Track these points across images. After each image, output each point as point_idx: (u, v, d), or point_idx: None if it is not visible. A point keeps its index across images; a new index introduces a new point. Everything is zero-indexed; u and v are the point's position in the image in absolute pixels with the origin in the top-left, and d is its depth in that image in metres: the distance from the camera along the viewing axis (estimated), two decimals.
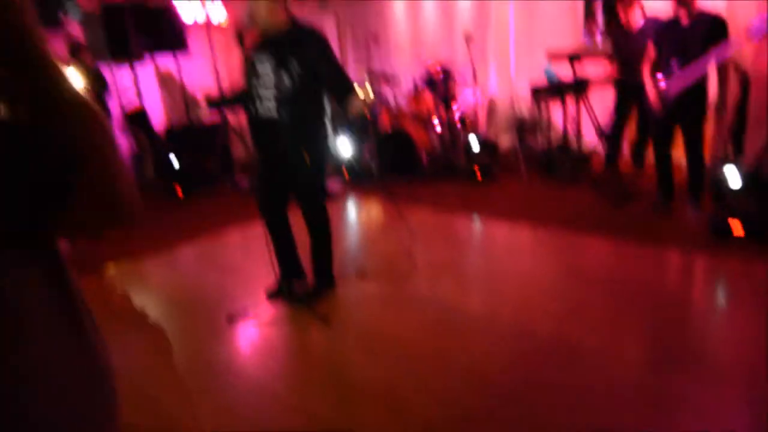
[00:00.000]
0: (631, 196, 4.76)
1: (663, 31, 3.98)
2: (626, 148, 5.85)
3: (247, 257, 4.17)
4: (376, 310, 3.13)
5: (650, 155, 5.34)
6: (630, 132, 5.73)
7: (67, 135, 0.61)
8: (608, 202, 4.69)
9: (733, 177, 3.59)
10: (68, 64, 5.47)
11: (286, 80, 2.80)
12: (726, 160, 4.45)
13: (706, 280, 3.42)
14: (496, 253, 3.92)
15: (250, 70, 2.92)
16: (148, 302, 3.47)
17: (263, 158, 3.11)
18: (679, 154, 4.22)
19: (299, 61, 2.79)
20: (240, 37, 2.84)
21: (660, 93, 3.91)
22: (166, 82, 7.65)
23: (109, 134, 0.67)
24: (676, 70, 3.80)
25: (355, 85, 2.98)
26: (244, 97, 3.03)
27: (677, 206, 4.28)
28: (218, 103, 3.35)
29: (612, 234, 3.96)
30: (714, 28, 3.68)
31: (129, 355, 2.75)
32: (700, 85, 3.82)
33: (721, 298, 3.11)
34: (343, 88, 2.91)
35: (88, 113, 0.65)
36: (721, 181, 3.66)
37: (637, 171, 5.42)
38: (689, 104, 3.85)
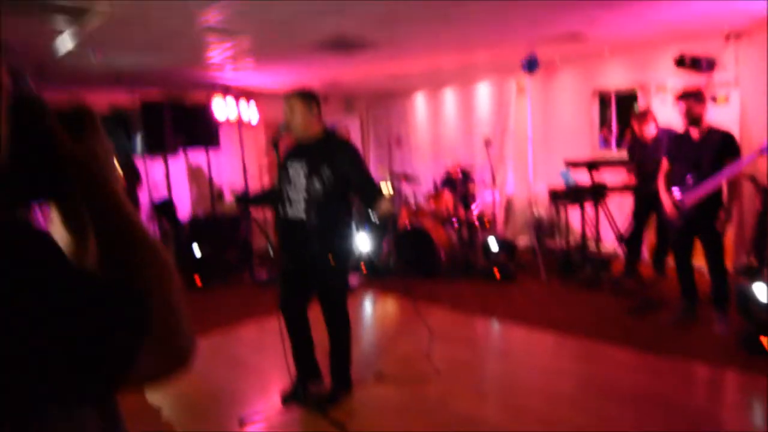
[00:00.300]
0: (654, 303, 4.68)
1: (676, 145, 4.13)
2: (646, 254, 5.85)
3: (261, 354, 4.10)
4: (392, 418, 3.01)
5: (671, 262, 5.34)
6: (650, 238, 5.75)
7: (139, 282, 0.63)
8: (630, 310, 4.60)
9: (760, 292, 3.53)
10: None
11: (317, 185, 2.92)
12: (750, 273, 4.41)
13: (738, 397, 3.26)
14: (516, 359, 3.80)
15: (282, 173, 3.06)
16: (157, 397, 3.39)
17: (288, 257, 3.16)
18: (700, 263, 4.20)
19: (331, 168, 2.92)
20: (275, 144, 3.00)
21: (676, 204, 3.98)
22: (195, 174, 7.96)
23: (177, 278, 0.69)
24: (690, 183, 3.90)
25: (382, 186, 3.10)
26: (274, 198, 3.15)
27: (703, 316, 4.18)
28: (245, 200, 3.47)
29: (636, 344, 3.85)
30: (724, 144, 3.83)
31: None
32: (716, 197, 3.89)
33: (755, 417, 2.95)
34: (372, 195, 3.02)
35: (161, 260, 0.68)
36: (748, 296, 3.61)
37: (658, 278, 5.36)
38: (705, 216, 3.90)
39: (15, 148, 0.64)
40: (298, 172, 2.99)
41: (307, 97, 3.01)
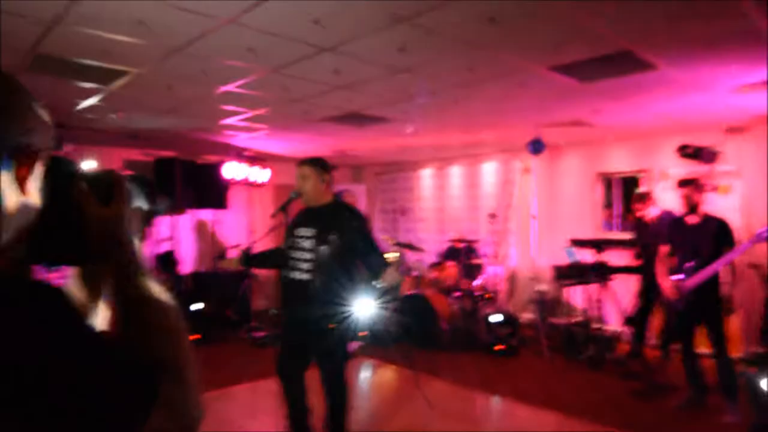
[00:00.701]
0: (660, 388, 4.56)
1: (674, 230, 4.23)
2: (651, 337, 5.76)
3: (256, 418, 3.97)
4: None
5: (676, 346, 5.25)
6: (656, 321, 5.68)
7: (152, 350, 0.62)
8: (636, 393, 4.48)
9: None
10: None
11: (325, 250, 2.94)
12: (759, 362, 4.35)
13: None
14: None
15: (290, 237, 3.09)
16: None
17: (289, 320, 3.13)
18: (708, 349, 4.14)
19: (338, 234, 2.96)
20: (284, 208, 3.06)
21: (676, 286, 4.01)
22: (200, 230, 8.02)
23: (190, 347, 0.68)
24: (690, 267, 3.95)
25: (388, 256, 3.12)
26: (278, 259, 3.16)
27: (711, 404, 4.07)
28: (249, 257, 3.46)
29: (640, 429, 3.73)
30: (720, 231, 3.94)
31: None
32: (714, 284, 3.94)
33: None
34: (377, 264, 3.05)
35: (176, 327, 0.68)
36: (757, 387, 3.53)
37: (663, 361, 5.26)
38: (706, 302, 3.93)
39: (45, 207, 0.66)
40: (305, 236, 3.03)
41: (320, 166, 3.11)
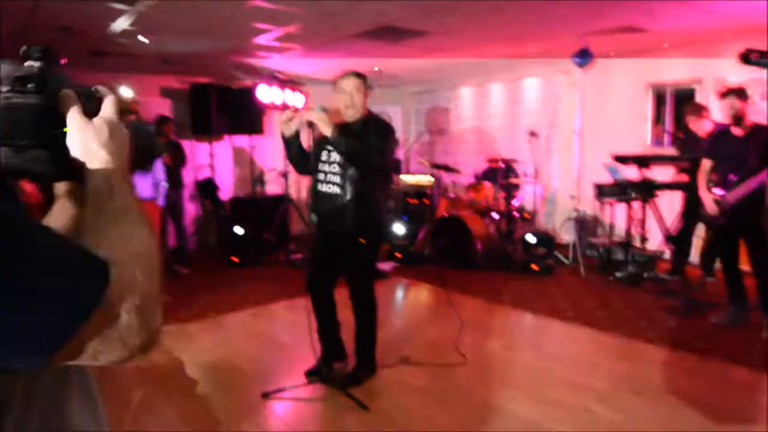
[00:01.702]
0: (699, 305, 4.46)
1: (718, 143, 3.98)
2: (694, 255, 5.57)
3: (290, 332, 4.14)
4: (414, 401, 2.97)
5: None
6: (700, 239, 5.47)
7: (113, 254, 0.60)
8: (673, 309, 4.40)
9: None
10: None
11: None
12: None
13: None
14: (548, 353, 3.68)
15: (319, 150, 3.07)
16: (189, 367, 3.47)
17: (320, 234, 3.17)
18: (748, 266, 3.98)
19: (367, 146, 2.91)
20: (310, 124, 3.01)
21: (717, 201, 3.82)
22: (238, 157, 8.12)
23: (156, 263, 0.66)
24: (733, 181, 3.75)
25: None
26: (311, 165, 3.11)
27: (752, 321, 3.96)
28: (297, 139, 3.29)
29: (676, 344, 3.68)
30: None
31: (167, 421, 2.72)
32: (760, 196, 3.67)
33: None
34: (366, 162, 2.94)
35: (144, 239, 0.66)
36: None
37: (705, 280, 5.11)
38: (750, 216, 3.74)
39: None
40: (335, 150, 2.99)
41: (364, 79, 3.07)
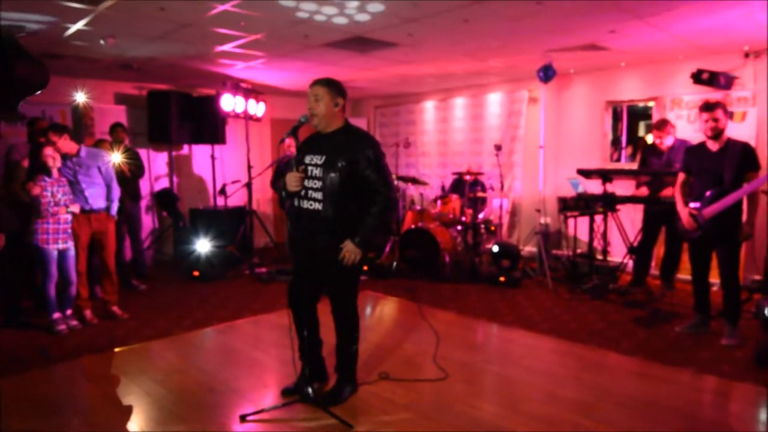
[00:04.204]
0: (663, 315, 4.60)
1: (695, 158, 4.01)
2: (654, 267, 5.77)
3: (260, 349, 3.99)
4: (399, 419, 2.89)
5: (678, 276, 5.26)
6: (658, 252, 5.68)
7: None
8: (639, 320, 4.52)
9: None
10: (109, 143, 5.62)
11: (334, 177, 2.81)
12: (760, 288, 4.36)
13: (747, 409, 3.15)
14: (521, 364, 3.67)
15: (298, 164, 2.93)
16: (157, 391, 3.26)
17: (300, 251, 3.04)
18: (713, 277, 4.12)
19: (349, 161, 2.82)
20: (294, 133, 2.90)
21: (694, 214, 3.89)
22: (198, 167, 7.86)
23: None
24: (708, 196, 3.81)
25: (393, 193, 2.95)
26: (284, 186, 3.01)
27: (715, 329, 4.12)
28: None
29: (644, 353, 3.77)
30: (745, 156, 3.75)
31: None
32: (736, 211, 3.80)
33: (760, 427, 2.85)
34: (382, 199, 2.86)
35: None
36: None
37: (665, 290, 5.29)
38: (726, 229, 3.81)
39: None
40: (315, 165, 2.89)
41: (334, 87, 2.92)
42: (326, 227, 2.87)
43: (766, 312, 3.70)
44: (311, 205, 2.89)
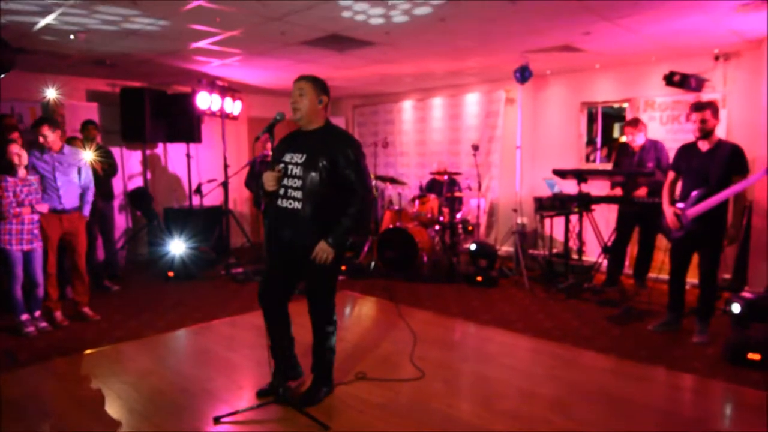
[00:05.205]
0: (636, 313, 4.67)
1: (684, 157, 4.01)
2: (627, 266, 5.86)
3: (235, 350, 3.94)
4: (375, 418, 2.88)
5: (651, 275, 5.35)
6: (632, 251, 5.76)
7: None
8: (613, 318, 4.58)
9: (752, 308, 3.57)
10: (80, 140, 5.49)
11: (314, 177, 2.78)
12: (729, 288, 4.45)
13: (717, 405, 3.22)
14: (497, 363, 3.69)
15: (277, 162, 2.89)
16: (128, 393, 3.19)
17: (276, 250, 3.00)
18: (690, 276, 4.19)
19: (330, 160, 2.79)
20: (270, 130, 2.86)
21: (678, 214, 3.92)
22: (174, 165, 7.73)
23: None
24: (694, 196, 3.83)
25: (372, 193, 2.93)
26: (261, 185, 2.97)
27: (686, 327, 4.19)
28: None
29: (618, 351, 3.83)
30: (733, 157, 3.76)
31: None
32: (721, 212, 3.81)
33: (726, 422, 2.92)
34: (358, 200, 2.84)
35: None
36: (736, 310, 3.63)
37: (638, 289, 5.38)
38: (710, 229, 3.83)
39: None
40: (295, 163, 2.85)
41: (319, 84, 2.90)
42: (305, 227, 2.83)
43: (734, 309, 3.78)
44: (290, 204, 2.85)
